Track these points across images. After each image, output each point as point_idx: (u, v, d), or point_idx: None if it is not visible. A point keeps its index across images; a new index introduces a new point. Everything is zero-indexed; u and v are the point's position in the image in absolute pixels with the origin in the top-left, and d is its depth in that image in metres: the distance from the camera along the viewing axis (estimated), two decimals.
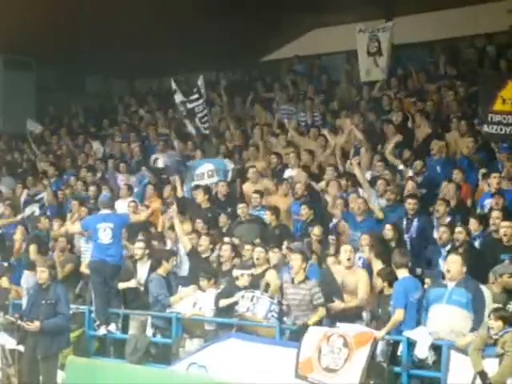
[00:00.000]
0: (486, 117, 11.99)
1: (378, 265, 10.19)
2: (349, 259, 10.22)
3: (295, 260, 10.05)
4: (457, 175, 12.24)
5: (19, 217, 15.25)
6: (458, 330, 8.67)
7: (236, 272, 10.71)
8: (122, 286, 11.60)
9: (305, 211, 12.29)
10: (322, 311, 9.85)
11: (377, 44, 16.69)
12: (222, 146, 16.02)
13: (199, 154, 15.59)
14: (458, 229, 10.46)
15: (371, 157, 13.90)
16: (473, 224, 10.83)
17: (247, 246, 11.46)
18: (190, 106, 15.62)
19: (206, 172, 14.55)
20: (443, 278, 9.16)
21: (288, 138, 15.44)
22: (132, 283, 11.59)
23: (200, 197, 13.59)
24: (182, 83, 19.84)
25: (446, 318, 8.75)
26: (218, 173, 14.47)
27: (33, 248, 13.15)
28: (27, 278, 12.66)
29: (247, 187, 14.01)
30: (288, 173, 14.08)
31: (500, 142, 12.70)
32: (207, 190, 13.84)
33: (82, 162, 17.97)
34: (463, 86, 15.49)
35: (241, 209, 12.82)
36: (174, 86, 16.16)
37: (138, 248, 11.93)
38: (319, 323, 9.81)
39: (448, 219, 11.28)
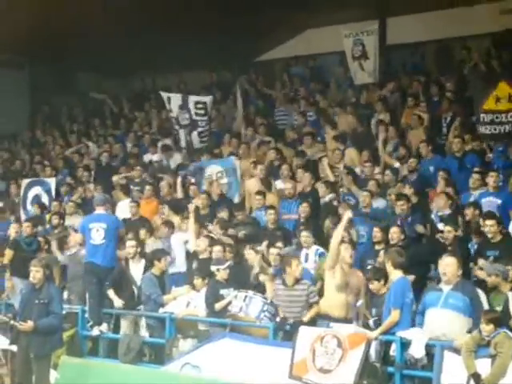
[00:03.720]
0: (478, 117, 12.04)
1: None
2: (351, 256, 10.11)
3: (296, 265, 10.08)
4: (441, 177, 12.25)
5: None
6: (453, 335, 8.67)
7: (212, 268, 10.84)
8: (111, 294, 11.50)
9: (303, 209, 12.35)
10: (316, 309, 9.92)
11: (361, 48, 16.74)
12: (217, 150, 16.01)
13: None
14: (447, 228, 10.51)
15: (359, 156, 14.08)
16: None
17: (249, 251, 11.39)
18: (194, 117, 15.59)
19: (215, 174, 14.57)
20: (438, 282, 9.16)
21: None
22: (118, 303, 11.44)
23: (202, 202, 13.53)
24: (175, 84, 19.98)
25: (441, 322, 8.76)
26: (228, 173, 14.49)
27: (8, 253, 13.01)
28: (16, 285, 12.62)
29: (251, 185, 13.99)
30: (279, 184, 13.93)
31: (494, 143, 12.75)
32: (208, 194, 13.83)
33: (77, 162, 17.96)
34: (455, 86, 15.54)
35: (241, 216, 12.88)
36: (168, 105, 16.06)
37: (130, 246, 11.87)
38: (313, 321, 9.87)
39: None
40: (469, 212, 10.94)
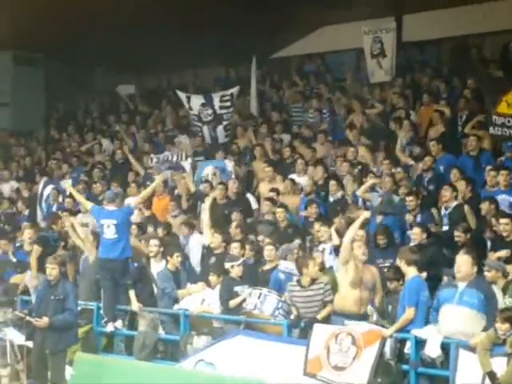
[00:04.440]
0: (491, 118, 12.14)
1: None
2: (364, 254, 10.09)
3: (313, 265, 10.09)
4: (454, 175, 12.18)
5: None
6: (467, 332, 8.64)
7: (226, 265, 10.85)
8: (131, 296, 11.47)
9: (312, 209, 12.35)
10: (330, 307, 9.92)
11: (380, 45, 16.63)
12: (234, 146, 15.99)
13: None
14: (456, 233, 10.45)
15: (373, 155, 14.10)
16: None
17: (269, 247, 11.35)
18: (219, 111, 15.55)
19: (211, 174, 14.64)
20: (454, 277, 9.14)
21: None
22: (135, 306, 11.42)
23: (219, 193, 13.59)
24: (190, 81, 19.93)
25: (456, 319, 8.71)
26: (221, 173, 14.56)
27: (36, 249, 12.68)
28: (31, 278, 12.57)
29: (263, 187, 14.02)
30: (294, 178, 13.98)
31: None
32: (225, 185, 13.87)
33: (91, 160, 18.00)
34: (472, 84, 15.45)
35: (267, 206, 12.88)
36: (186, 104, 16.02)
37: (153, 245, 11.92)
38: (327, 319, 9.87)
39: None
40: (484, 206, 10.92)
